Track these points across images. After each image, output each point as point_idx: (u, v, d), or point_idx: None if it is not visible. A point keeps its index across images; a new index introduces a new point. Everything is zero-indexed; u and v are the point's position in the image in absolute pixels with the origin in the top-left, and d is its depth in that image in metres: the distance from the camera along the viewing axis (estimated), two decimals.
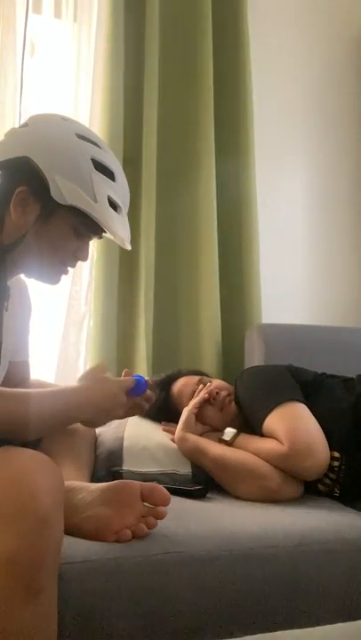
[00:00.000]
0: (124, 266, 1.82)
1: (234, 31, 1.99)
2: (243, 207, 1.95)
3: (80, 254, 1.03)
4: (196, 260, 1.88)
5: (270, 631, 0.87)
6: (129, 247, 1.07)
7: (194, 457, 1.29)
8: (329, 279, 2.22)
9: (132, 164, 1.85)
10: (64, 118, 1.06)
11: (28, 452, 0.77)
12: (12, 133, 1.02)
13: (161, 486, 0.92)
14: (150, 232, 1.82)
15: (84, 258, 1.04)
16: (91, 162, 0.98)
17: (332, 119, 2.28)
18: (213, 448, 1.27)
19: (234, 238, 1.95)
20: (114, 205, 1.00)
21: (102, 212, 0.98)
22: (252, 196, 1.96)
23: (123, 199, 1.03)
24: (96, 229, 1.02)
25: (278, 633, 0.86)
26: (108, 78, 1.78)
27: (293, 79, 2.23)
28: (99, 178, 0.98)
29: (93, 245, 1.77)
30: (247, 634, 0.85)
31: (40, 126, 1.01)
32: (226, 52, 1.98)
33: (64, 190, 0.94)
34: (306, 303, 2.15)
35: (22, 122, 1.05)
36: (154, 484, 0.92)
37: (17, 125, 1.72)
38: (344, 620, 0.92)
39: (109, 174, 1.00)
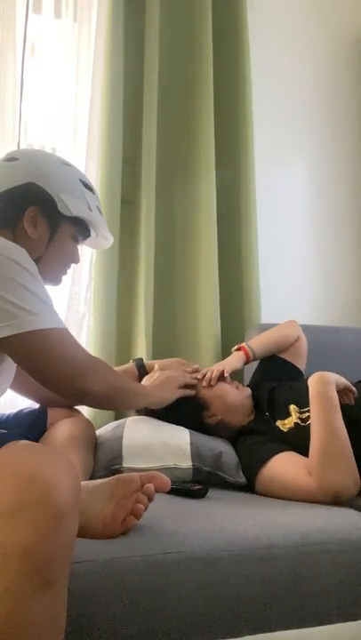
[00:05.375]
0: (123, 266, 1.83)
1: (234, 30, 1.99)
2: (242, 206, 1.95)
3: (75, 257, 1.26)
4: (195, 260, 1.88)
5: (270, 631, 0.87)
6: (109, 245, 1.37)
7: (330, 395, 1.23)
8: (329, 279, 2.22)
9: (131, 163, 1.85)
10: (44, 151, 1.38)
11: (48, 447, 0.79)
12: (4, 167, 1.18)
13: (160, 473, 0.94)
14: (150, 232, 1.82)
15: (78, 260, 1.28)
16: (79, 181, 1.21)
17: (333, 118, 2.28)
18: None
19: (233, 238, 1.95)
20: (100, 212, 1.26)
21: (97, 219, 1.22)
22: (252, 196, 1.96)
23: (100, 207, 1.29)
24: (86, 235, 1.26)
25: (278, 633, 0.86)
26: (108, 78, 1.78)
27: (294, 79, 2.23)
28: (87, 192, 1.22)
29: None
30: (247, 634, 0.86)
31: (33, 158, 1.21)
32: (226, 52, 1.99)
33: (69, 205, 1.16)
34: (306, 303, 2.15)
35: (5, 155, 1.21)
36: (153, 471, 0.94)
37: (17, 125, 1.75)
38: (344, 620, 0.92)
39: (91, 189, 1.24)
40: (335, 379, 1.28)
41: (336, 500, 1.13)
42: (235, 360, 1.52)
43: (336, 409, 1.21)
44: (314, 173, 2.24)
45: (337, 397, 1.24)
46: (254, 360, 1.59)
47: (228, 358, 1.54)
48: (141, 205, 1.82)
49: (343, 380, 1.29)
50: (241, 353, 1.55)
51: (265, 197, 2.04)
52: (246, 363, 1.56)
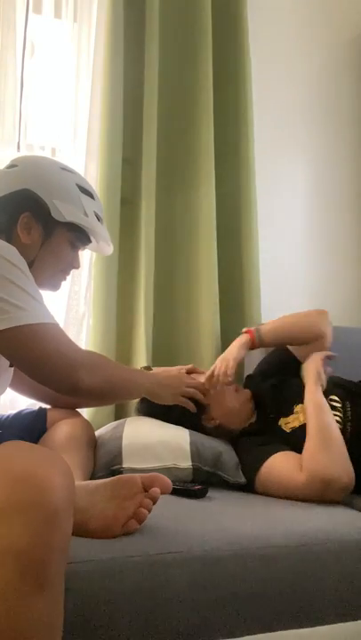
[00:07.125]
0: (123, 266, 1.83)
1: (234, 31, 1.99)
2: (242, 207, 1.95)
3: (75, 263, 1.26)
4: (195, 259, 1.88)
5: (270, 631, 0.87)
6: (111, 252, 1.36)
7: (319, 400, 1.29)
8: (329, 279, 2.21)
9: (131, 164, 1.85)
10: (44, 157, 1.38)
11: (42, 448, 0.79)
12: (3, 174, 1.19)
13: (162, 475, 0.93)
14: (150, 232, 1.82)
15: (78, 265, 1.28)
16: (76, 186, 1.21)
17: (333, 119, 2.28)
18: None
19: (233, 238, 1.95)
20: (98, 218, 1.25)
21: (93, 224, 1.22)
22: (252, 196, 1.95)
23: (101, 213, 1.28)
24: (85, 240, 1.25)
25: (278, 633, 0.86)
26: (107, 78, 1.78)
27: (293, 80, 2.23)
28: (84, 198, 1.22)
29: None
30: (247, 634, 0.86)
31: (30, 164, 1.21)
32: (226, 53, 1.98)
33: (62, 210, 1.17)
34: (306, 303, 2.15)
35: (8, 163, 1.22)
36: (154, 473, 0.94)
37: (17, 125, 1.75)
38: (344, 620, 0.92)
39: (90, 194, 1.24)
40: (315, 379, 1.33)
41: (327, 492, 1.12)
42: (235, 350, 1.43)
43: (325, 409, 1.27)
44: (314, 173, 2.24)
45: (324, 399, 1.30)
46: (261, 347, 1.49)
47: (231, 348, 1.44)
48: (141, 205, 1.82)
49: (318, 369, 1.36)
50: (246, 337, 1.45)
51: (265, 197, 2.03)
52: (251, 349, 1.47)
